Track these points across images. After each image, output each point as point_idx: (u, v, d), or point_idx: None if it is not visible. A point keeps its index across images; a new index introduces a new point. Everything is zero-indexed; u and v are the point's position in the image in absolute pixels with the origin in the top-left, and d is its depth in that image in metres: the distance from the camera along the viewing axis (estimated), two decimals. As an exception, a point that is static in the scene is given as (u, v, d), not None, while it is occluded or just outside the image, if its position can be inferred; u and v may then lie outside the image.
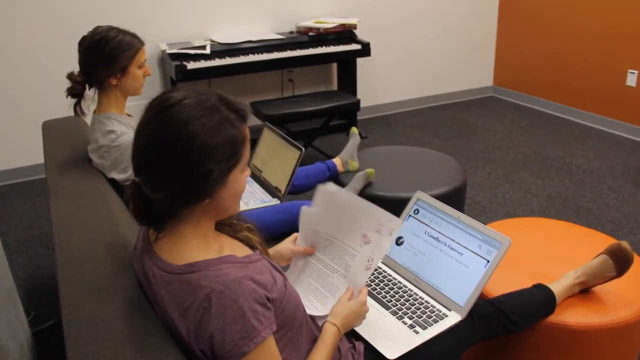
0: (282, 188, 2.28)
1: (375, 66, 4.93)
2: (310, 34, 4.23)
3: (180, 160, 1.00)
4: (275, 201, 2.25)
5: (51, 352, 2.22)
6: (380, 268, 1.70)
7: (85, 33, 1.87)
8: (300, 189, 2.54)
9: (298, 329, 1.19)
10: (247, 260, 1.09)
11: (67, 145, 2.14)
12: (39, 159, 3.97)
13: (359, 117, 5.00)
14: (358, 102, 3.93)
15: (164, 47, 3.95)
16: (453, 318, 1.48)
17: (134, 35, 1.88)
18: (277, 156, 2.38)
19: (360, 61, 4.78)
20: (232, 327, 0.98)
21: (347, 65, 4.57)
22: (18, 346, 1.79)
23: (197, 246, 1.08)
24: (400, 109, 5.22)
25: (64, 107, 3.87)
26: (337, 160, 2.64)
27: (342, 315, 1.26)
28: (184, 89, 1.06)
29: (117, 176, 1.86)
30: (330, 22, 4.31)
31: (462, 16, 5.19)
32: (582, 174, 3.74)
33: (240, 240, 1.20)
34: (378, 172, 2.63)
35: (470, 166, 3.92)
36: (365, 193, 2.48)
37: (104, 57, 1.81)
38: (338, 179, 2.65)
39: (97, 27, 1.86)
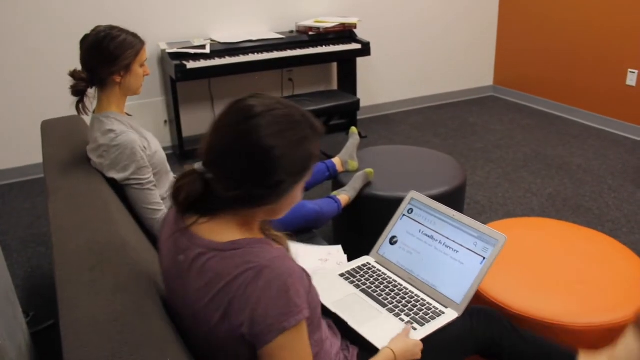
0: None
1: (375, 66, 4.92)
2: (310, 33, 4.23)
3: (257, 168, 1.04)
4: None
5: (51, 352, 2.21)
6: (375, 267, 1.70)
7: (85, 33, 1.88)
8: (300, 189, 2.53)
9: (317, 325, 1.22)
10: (284, 250, 1.13)
11: (66, 145, 2.14)
12: (40, 158, 3.97)
13: (358, 117, 5.00)
14: (358, 101, 3.93)
15: (163, 46, 3.95)
16: (450, 315, 1.48)
17: (134, 35, 1.90)
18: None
19: (360, 61, 4.78)
20: (276, 302, 1.01)
21: (347, 65, 4.56)
22: (16, 347, 1.78)
23: (239, 231, 1.11)
24: (400, 108, 5.21)
25: (63, 107, 3.89)
26: (336, 160, 2.64)
27: (401, 347, 1.31)
28: (266, 97, 1.09)
29: (116, 175, 1.86)
30: (330, 21, 4.31)
31: (462, 15, 5.18)
32: (582, 173, 3.74)
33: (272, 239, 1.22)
34: (377, 171, 2.62)
35: (470, 166, 3.91)
36: (364, 193, 2.48)
37: (108, 54, 1.82)
38: (337, 178, 2.65)
39: (98, 27, 1.87)
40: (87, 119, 2.02)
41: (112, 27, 1.87)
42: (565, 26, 4.71)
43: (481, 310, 1.55)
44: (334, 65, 4.78)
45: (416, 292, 1.57)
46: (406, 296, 1.55)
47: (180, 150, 4.06)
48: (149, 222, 1.93)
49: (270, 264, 1.03)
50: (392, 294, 1.56)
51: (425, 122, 4.88)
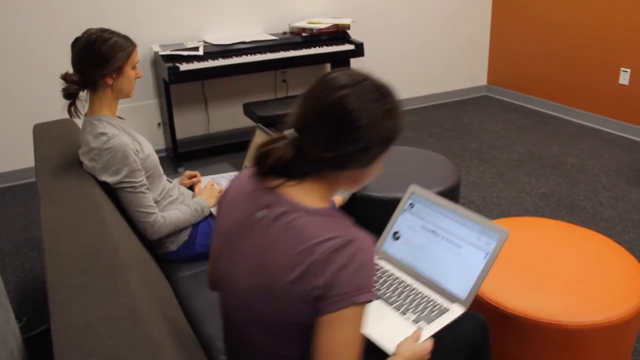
0: (275, 190, 2.27)
1: (369, 66, 4.92)
2: (304, 34, 4.22)
3: (347, 134, 1.10)
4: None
5: (44, 358, 2.20)
6: (378, 264, 1.67)
7: (77, 35, 1.87)
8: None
9: None
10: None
11: (58, 148, 2.12)
12: (32, 161, 3.95)
13: (353, 118, 5.00)
14: (352, 102, 3.92)
15: (156, 48, 3.94)
16: (456, 311, 1.47)
17: (126, 37, 1.90)
18: (270, 158, 2.37)
19: (353, 61, 4.77)
20: (356, 275, 1.05)
21: (340, 66, 4.55)
22: (8, 352, 1.77)
23: (323, 200, 1.17)
24: (394, 109, 5.21)
25: (55, 110, 3.88)
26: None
27: (410, 353, 1.31)
28: (356, 70, 1.16)
29: (109, 179, 1.85)
30: (324, 22, 4.30)
31: (456, 16, 5.19)
32: (576, 172, 3.75)
33: None
34: (372, 172, 2.61)
35: (465, 165, 3.92)
36: (358, 194, 2.47)
37: (100, 56, 1.82)
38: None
39: (89, 29, 1.87)
40: (79, 122, 2.01)
41: (103, 30, 1.87)
42: (558, 25, 4.72)
43: (475, 317, 1.54)
44: (328, 66, 4.78)
45: (421, 288, 1.55)
46: (411, 293, 1.54)
47: (174, 153, 4.05)
48: (141, 225, 1.92)
49: (360, 239, 1.08)
50: (397, 291, 1.55)
51: (420, 122, 4.88)
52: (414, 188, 1.68)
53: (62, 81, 1.87)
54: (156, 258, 2.06)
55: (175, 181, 2.29)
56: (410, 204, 1.67)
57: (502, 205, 3.32)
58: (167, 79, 3.70)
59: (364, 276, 1.06)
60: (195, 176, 2.38)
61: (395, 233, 1.68)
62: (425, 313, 1.47)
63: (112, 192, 1.88)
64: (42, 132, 2.33)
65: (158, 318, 1.19)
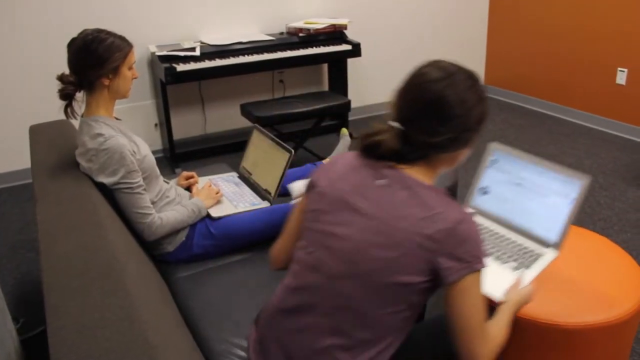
0: (272, 191, 2.27)
1: (366, 67, 4.92)
2: (301, 34, 4.22)
3: (452, 119, 1.23)
4: (265, 203, 2.24)
5: (41, 359, 2.19)
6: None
7: (73, 36, 1.87)
8: (291, 191, 2.53)
9: None
10: None
11: (54, 149, 2.12)
12: (28, 163, 3.94)
13: (350, 118, 5.00)
14: (349, 102, 3.92)
15: (153, 49, 3.93)
16: (551, 254, 1.62)
17: (122, 38, 1.90)
18: (267, 158, 2.37)
19: (350, 62, 4.77)
20: (475, 246, 1.20)
21: (337, 66, 4.56)
22: (5, 354, 1.76)
23: (429, 179, 1.31)
24: (392, 109, 5.21)
25: (51, 111, 3.87)
26: (327, 162, 2.63)
27: (517, 298, 1.47)
28: (448, 62, 1.29)
29: (106, 180, 1.85)
30: (321, 22, 4.30)
31: (453, 15, 5.19)
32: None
33: None
34: (369, 173, 2.61)
35: (462, 165, 3.92)
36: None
37: (96, 57, 1.82)
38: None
39: (85, 30, 1.86)
40: (76, 123, 2.00)
41: (99, 30, 1.86)
42: (555, 25, 4.72)
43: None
44: (325, 66, 4.78)
45: (514, 237, 1.67)
46: (507, 243, 1.66)
47: (171, 153, 4.04)
48: (138, 226, 1.91)
49: (470, 217, 1.22)
50: (494, 243, 1.66)
51: (417, 122, 4.87)
52: (495, 145, 1.76)
53: (58, 82, 1.86)
54: (153, 259, 2.06)
55: (172, 182, 2.28)
56: (493, 160, 1.76)
57: (500, 205, 3.32)
58: (163, 79, 3.69)
59: (479, 247, 1.21)
60: (192, 177, 2.37)
61: (482, 188, 1.79)
62: (523, 260, 1.59)
63: (109, 193, 1.88)
64: (39, 133, 2.33)
65: (155, 320, 1.18)
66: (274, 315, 1.36)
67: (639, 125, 4.27)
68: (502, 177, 1.73)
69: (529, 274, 1.55)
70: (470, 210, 1.25)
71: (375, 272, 1.21)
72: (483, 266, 1.21)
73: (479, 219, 1.75)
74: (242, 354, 1.58)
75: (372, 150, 1.31)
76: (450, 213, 1.20)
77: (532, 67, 5.03)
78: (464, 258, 1.19)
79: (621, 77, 4.29)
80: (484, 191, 1.78)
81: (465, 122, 1.25)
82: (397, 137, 1.27)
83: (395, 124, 1.27)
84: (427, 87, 1.23)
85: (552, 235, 1.63)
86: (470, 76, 1.27)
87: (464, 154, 1.34)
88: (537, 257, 1.61)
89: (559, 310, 1.67)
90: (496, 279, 1.53)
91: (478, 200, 1.79)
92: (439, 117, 1.23)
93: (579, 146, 4.20)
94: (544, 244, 1.64)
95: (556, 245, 1.63)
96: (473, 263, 1.19)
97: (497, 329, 1.34)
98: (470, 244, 1.19)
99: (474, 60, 5.47)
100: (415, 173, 1.29)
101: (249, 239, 2.12)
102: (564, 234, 1.61)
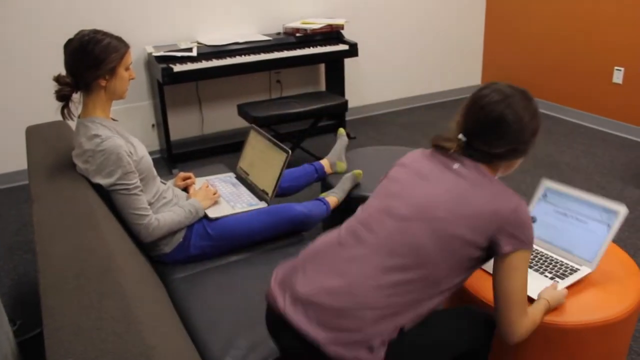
0: (269, 191, 2.26)
1: (363, 67, 4.92)
2: (298, 34, 4.22)
3: (508, 137, 1.44)
4: (262, 204, 2.24)
5: (38, 360, 2.19)
6: None
7: (70, 37, 1.86)
8: (288, 192, 2.52)
9: None
10: None
11: (51, 150, 2.11)
12: (25, 164, 3.93)
13: (347, 118, 5.00)
14: (346, 102, 3.92)
15: (150, 49, 3.93)
16: (585, 270, 1.80)
17: (119, 39, 1.89)
18: (264, 159, 2.36)
19: (347, 62, 4.78)
20: (529, 231, 1.41)
21: (334, 66, 4.56)
22: (2, 356, 1.76)
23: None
24: (389, 109, 5.21)
25: (48, 112, 3.86)
26: (324, 162, 2.63)
27: (552, 295, 1.64)
28: (503, 85, 1.49)
29: (102, 181, 1.84)
30: (317, 22, 4.30)
31: (450, 15, 5.19)
32: (571, 171, 3.76)
33: None
34: (366, 173, 2.62)
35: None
36: (353, 194, 2.47)
37: (93, 58, 1.81)
38: (326, 180, 2.64)
39: (82, 31, 1.86)
40: (73, 124, 2.00)
41: (96, 31, 1.86)
42: (552, 25, 4.73)
43: (482, 315, 1.56)
44: (322, 66, 4.78)
45: (555, 256, 1.89)
46: (547, 258, 1.87)
47: (169, 154, 4.03)
48: (135, 227, 1.91)
49: (526, 205, 1.43)
50: (536, 259, 1.88)
51: (414, 122, 4.88)
52: (546, 183, 2.01)
53: (55, 83, 1.86)
54: (150, 260, 2.06)
55: (170, 183, 2.28)
56: (544, 194, 2.01)
57: (497, 204, 3.32)
58: (160, 80, 3.69)
59: (531, 232, 1.41)
60: (189, 178, 2.37)
61: (532, 218, 1.98)
62: (558, 272, 1.80)
63: (106, 194, 1.88)
64: (35, 135, 2.32)
65: (152, 321, 1.18)
66: (325, 249, 1.47)
67: (636, 124, 4.28)
68: (549, 208, 1.98)
69: (564, 283, 1.74)
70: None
71: (445, 221, 1.38)
72: (531, 248, 1.42)
73: None
74: (239, 354, 1.58)
75: (442, 151, 1.52)
76: (512, 198, 1.41)
77: (529, 66, 5.03)
78: (519, 237, 1.38)
79: (618, 76, 4.29)
80: (533, 221, 1.95)
81: (521, 136, 1.44)
82: (462, 147, 1.49)
83: (462, 137, 1.49)
84: (489, 108, 1.44)
85: (589, 255, 1.82)
86: (525, 96, 1.46)
87: (519, 162, 1.54)
88: (572, 271, 1.79)
89: (557, 309, 1.68)
90: (534, 282, 1.74)
91: None
92: (499, 133, 1.43)
93: (576, 145, 4.20)
94: (580, 262, 1.83)
95: (591, 264, 1.80)
96: (525, 243, 1.39)
97: (533, 313, 1.50)
98: (526, 227, 1.39)
99: (471, 59, 5.48)
100: (481, 167, 1.48)
101: (246, 240, 2.12)
102: (600, 255, 1.80)
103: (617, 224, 1.80)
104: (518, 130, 1.44)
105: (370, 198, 1.56)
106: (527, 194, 3.44)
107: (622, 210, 1.81)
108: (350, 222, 1.51)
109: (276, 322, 1.45)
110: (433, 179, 1.47)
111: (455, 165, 1.48)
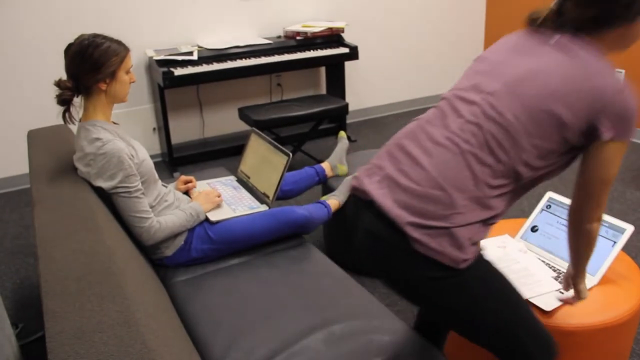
0: (270, 194, 2.27)
1: (364, 69, 4.93)
2: (298, 38, 4.23)
3: None
4: (263, 207, 2.24)
5: (39, 364, 2.19)
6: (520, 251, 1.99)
7: (70, 41, 1.87)
8: (289, 195, 2.52)
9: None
10: None
11: (52, 154, 2.12)
12: (27, 168, 3.94)
13: (348, 121, 5.00)
14: (346, 105, 3.92)
15: (150, 53, 3.93)
16: (589, 281, 1.78)
17: (119, 42, 1.90)
18: (265, 162, 2.37)
19: (348, 65, 4.78)
20: (632, 122, 1.29)
21: (335, 69, 4.57)
22: (4, 359, 1.76)
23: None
24: (389, 111, 5.22)
25: (50, 116, 3.87)
26: (325, 165, 2.63)
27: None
28: None
29: (104, 184, 1.85)
30: (318, 26, 4.31)
31: (450, 18, 5.20)
32: (573, 173, 3.75)
33: None
34: (367, 175, 2.61)
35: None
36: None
37: (93, 62, 1.82)
38: (327, 183, 2.64)
39: (82, 35, 1.87)
40: (74, 128, 2.00)
41: (96, 35, 1.87)
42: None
43: (549, 339, 1.45)
44: (322, 69, 4.78)
45: (557, 267, 1.87)
46: (550, 269, 1.86)
47: (170, 158, 4.04)
48: (137, 230, 1.91)
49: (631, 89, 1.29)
50: (540, 267, 1.87)
51: (415, 125, 4.88)
52: (550, 194, 2.03)
53: (56, 87, 1.87)
54: (151, 263, 2.06)
55: (171, 186, 2.28)
56: (547, 205, 2.03)
57: (498, 207, 3.32)
58: (161, 83, 3.70)
59: (634, 121, 1.29)
60: (190, 181, 2.37)
61: (534, 227, 2.02)
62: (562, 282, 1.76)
63: (107, 197, 1.88)
64: (37, 139, 2.33)
65: (153, 324, 1.18)
66: (413, 130, 1.40)
67: (636, 126, 4.27)
68: (552, 219, 1.99)
69: (567, 293, 1.73)
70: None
71: (538, 96, 1.27)
72: (630, 140, 1.31)
73: (527, 250, 1.96)
74: (240, 357, 1.58)
75: (532, 22, 1.42)
76: (620, 78, 1.27)
77: (530, 69, 5.03)
78: (621, 125, 1.27)
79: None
80: (534, 229, 2.02)
81: None
82: (554, 16, 1.36)
83: (553, 5, 1.37)
84: None
85: (592, 269, 1.81)
86: None
87: (637, 32, 1.34)
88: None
89: (559, 311, 1.67)
90: (537, 288, 1.76)
91: (527, 236, 2.01)
92: None
93: (577, 147, 4.19)
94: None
95: (594, 278, 1.80)
96: (628, 134, 1.28)
97: (600, 219, 1.41)
98: (631, 115, 1.27)
99: (471, 62, 5.47)
100: (584, 39, 1.33)
101: (247, 243, 2.12)
102: (604, 270, 1.80)
103: (622, 242, 1.80)
104: None
105: (458, 80, 1.47)
106: (527, 198, 3.43)
107: (629, 228, 1.81)
108: (439, 103, 1.43)
109: (358, 203, 1.39)
110: (527, 53, 1.36)
111: (554, 39, 1.35)
